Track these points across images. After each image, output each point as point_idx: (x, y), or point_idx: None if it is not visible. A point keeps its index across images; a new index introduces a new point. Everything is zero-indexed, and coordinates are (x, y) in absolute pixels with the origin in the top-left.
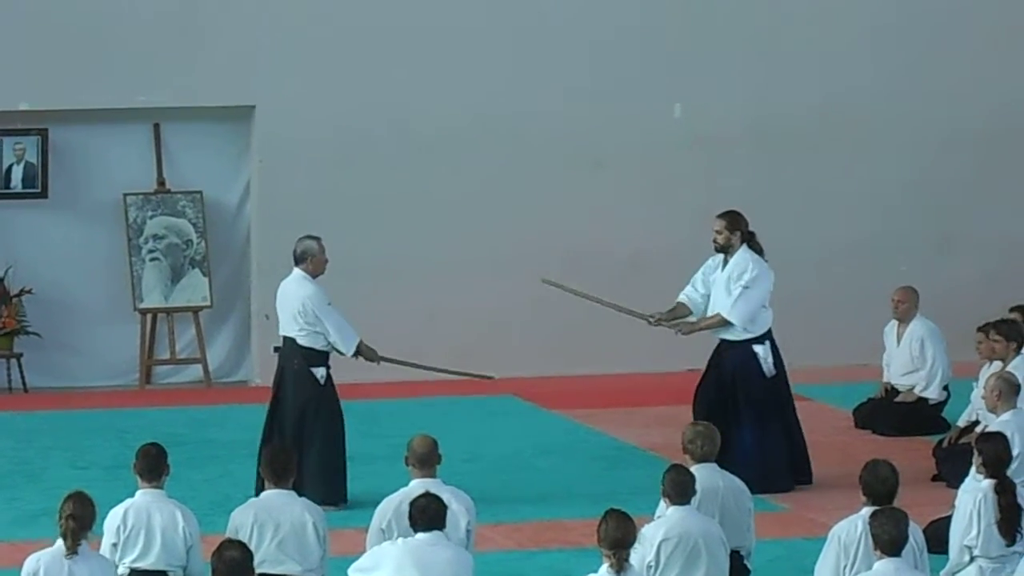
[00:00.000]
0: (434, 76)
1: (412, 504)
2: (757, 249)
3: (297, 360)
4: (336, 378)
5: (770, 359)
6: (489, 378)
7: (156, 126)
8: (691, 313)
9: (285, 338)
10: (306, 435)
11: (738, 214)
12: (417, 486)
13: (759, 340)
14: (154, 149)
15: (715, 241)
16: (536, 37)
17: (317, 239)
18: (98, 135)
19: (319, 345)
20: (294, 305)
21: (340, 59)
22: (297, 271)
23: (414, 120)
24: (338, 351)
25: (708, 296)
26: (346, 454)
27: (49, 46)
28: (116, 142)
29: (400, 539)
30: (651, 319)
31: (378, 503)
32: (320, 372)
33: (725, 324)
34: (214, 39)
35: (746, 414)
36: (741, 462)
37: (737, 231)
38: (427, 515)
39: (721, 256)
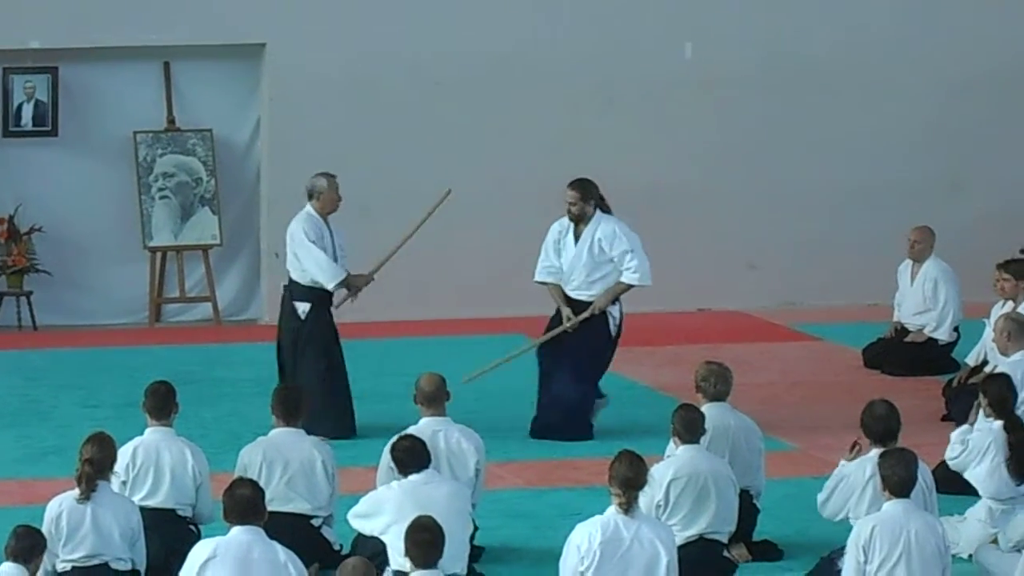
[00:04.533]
0: (445, 14)
1: (395, 448)
2: (607, 211)
3: (286, 293)
4: (347, 316)
5: (619, 319)
6: (447, 192)
7: (166, 64)
8: (563, 286)
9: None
10: (297, 370)
11: (589, 182)
12: (426, 424)
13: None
14: (164, 87)
15: (569, 211)
16: None
17: (331, 176)
18: (108, 73)
19: (304, 280)
20: (287, 239)
21: None
22: (307, 207)
23: (424, 58)
24: (322, 287)
25: (562, 268)
26: (348, 388)
27: None
28: (126, 80)
29: (395, 483)
30: (568, 329)
31: (388, 441)
32: (303, 307)
33: (628, 289)
34: None
35: (573, 363)
36: (570, 414)
37: (591, 199)
38: (414, 455)
39: (567, 223)
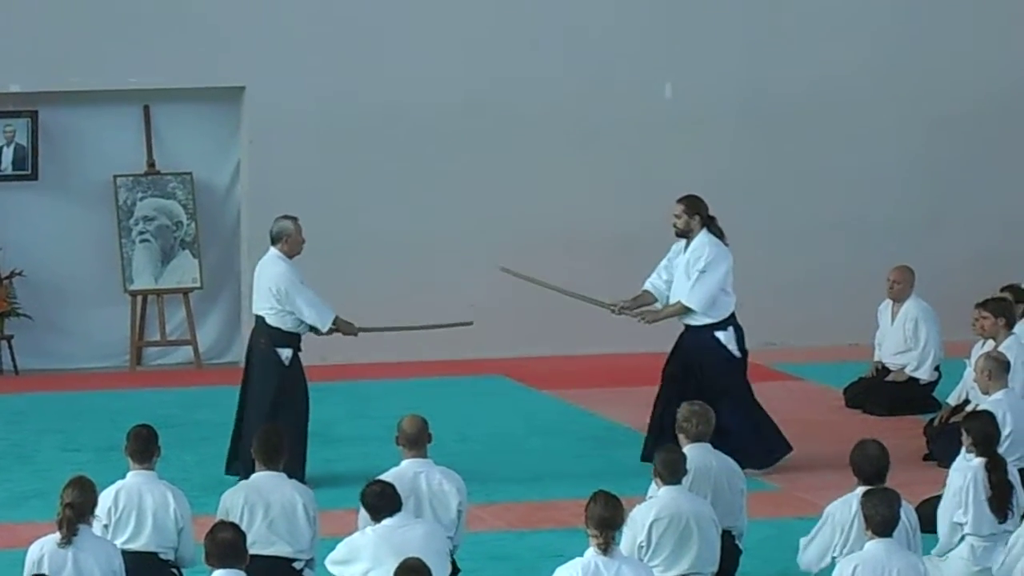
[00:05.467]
0: (423, 56)
1: (365, 495)
2: (717, 232)
3: (264, 339)
4: (328, 359)
5: (732, 344)
6: (468, 324)
7: (146, 108)
8: (656, 301)
9: (257, 316)
10: (280, 416)
11: (697, 198)
12: (408, 466)
13: (721, 326)
14: (144, 131)
15: (675, 226)
16: (526, 16)
17: (294, 219)
18: (88, 117)
19: (286, 326)
20: (266, 284)
21: (329, 39)
22: (273, 251)
23: (403, 100)
24: (314, 329)
25: (672, 283)
26: (307, 436)
27: (39, 28)
28: (106, 124)
29: (369, 528)
30: (613, 308)
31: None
32: (285, 353)
33: (686, 311)
34: (204, 20)
35: (709, 398)
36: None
37: (696, 215)
38: (385, 499)
39: (683, 242)
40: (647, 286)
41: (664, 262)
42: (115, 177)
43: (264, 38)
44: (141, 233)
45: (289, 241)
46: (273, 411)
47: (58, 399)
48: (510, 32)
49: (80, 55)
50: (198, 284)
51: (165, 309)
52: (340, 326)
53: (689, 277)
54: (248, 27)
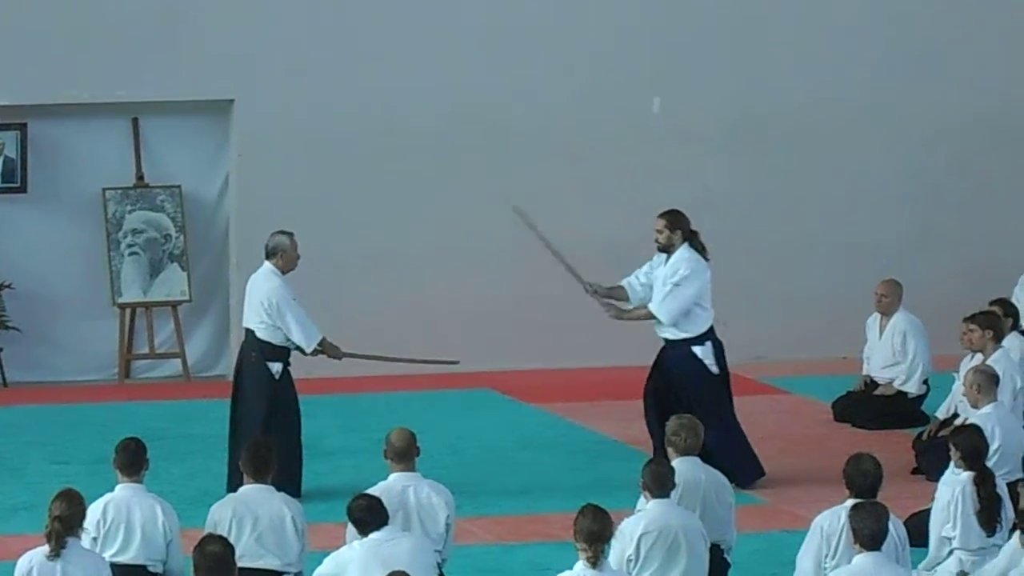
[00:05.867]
0: (413, 70)
1: (352, 509)
2: (699, 247)
3: (255, 353)
4: (316, 372)
5: (710, 358)
6: (454, 363)
7: (135, 120)
8: (628, 299)
9: (247, 330)
10: (272, 430)
11: (679, 213)
12: (396, 480)
13: (698, 341)
14: (133, 143)
15: (656, 240)
16: (515, 31)
17: (290, 235)
18: (77, 130)
19: (277, 340)
20: (258, 298)
21: (318, 52)
22: (267, 265)
23: (393, 114)
24: (299, 348)
25: (649, 288)
26: (301, 449)
27: (28, 41)
28: (95, 137)
29: (356, 542)
30: (588, 287)
31: None
32: (276, 367)
33: (652, 318)
34: (192, 33)
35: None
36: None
37: (678, 230)
38: (372, 513)
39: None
40: (624, 282)
41: (646, 267)
42: (104, 190)
43: (253, 51)
44: (130, 246)
45: (284, 256)
46: (265, 426)
47: (47, 412)
48: (500, 46)
49: (69, 68)
50: (187, 297)
51: (154, 322)
52: (326, 348)
53: (664, 288)
54: (237, 40)
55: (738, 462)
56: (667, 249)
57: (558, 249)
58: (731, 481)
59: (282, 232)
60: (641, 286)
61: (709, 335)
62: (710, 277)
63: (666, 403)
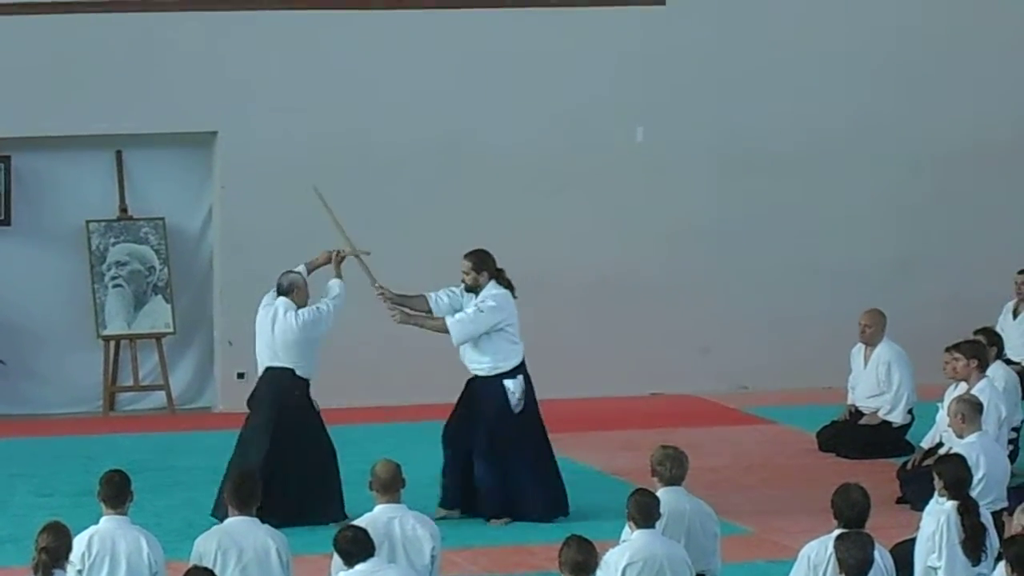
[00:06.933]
0: (395, 102)
1: (338, 540)
2: (506, 284)
3: (298, 391)
4: None
5: (519, 393)
6: (366, 253)
7: (118, 153)
8: (430, 310)
9: (279, 370)
10: (313, 459)
11: (484, 253)
12: (381, 511)
13: (509, 374)
14: (116, 176)
15: (463, 281)
16: (498, 61)
17: (299, 273)
18: (61, 162)
19: (313, 376)
20: (292, 337)
21: (301, 85)
22: (284, 300)
23: (375, 145)
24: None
25: (452, 309)
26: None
27: (11, 73)
28: (79, 169)
29: (342, 574)
30: (380, 290)
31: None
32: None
33: (444, 331)
34: (176, 66)
35: (493, 448)
36: (487, 495)
37: (484, 271)
38: (357, 545)
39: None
40: (428, 294)
41: (458, 289)
42: (88, 222)
43: (236, 83)
44: (114, 278)
45: (299, 293)
46: (314, 455)
47: (31, 444)
48: (482, 74)
49: (53, 101)
50: (171, 329)
51: (138, 354)
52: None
53: (467, 310)
54: (220, 72)
55: (547, 494)
56: (474, 289)
57: (354, 244)
58: (534, 514)
59: (292, 271)
60: (448, 301)
61: (521, 368)
62: (515, 312)
63: (470, 441)
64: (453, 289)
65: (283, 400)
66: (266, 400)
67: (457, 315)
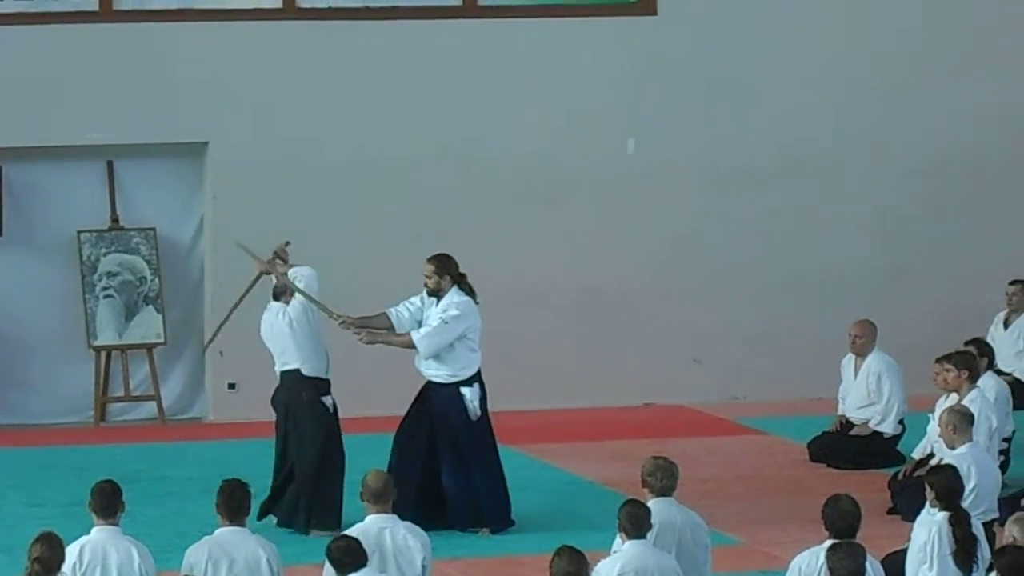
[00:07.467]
0: (387, 112)
1: (331, 550)
2: (467, 290)
3: (306, 392)
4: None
5: (476, 401)
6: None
7: (110, 163)
8: (393, 327)
9: (286, 372)
10: (327, 465)
11: (446, 257)
12: (372, 522)
13: (467, 382)
14: (108, 186)
15: (426, 285)
16: (490, 73)
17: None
18: (52, 172)
19: (322, 373)
20: (291, 337)
21: (292, 95)
22: (276, 304)
23: (367, 156)
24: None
25: (417, 322)
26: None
27: (2, 84)
28: (70, 179)
29: None
30: (338, 319)
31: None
32: (328, 400)
33: (411, 347)
34: (167, 76)
35: (449, 455)
36: (458, 505)
37: (447, 275)
38: (350, 554)
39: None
40: (389, 310)
41: (417, 300)
42: (79, 233)
43: (227, 93)
44: (105, 289)
45: (291, 294)
46: (327, 461)
47: (22, 454)
48: (475, 87)
49: (44, 111)
50: (162, 340)
51: (129, 364)
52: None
53: (432, 322)
54: (211, 82)
55: (497, 506)
56: (436, 294)
57: (294, 284)
58: (482, 524)
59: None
60: (409, 314)
61: (477, 377)
62: (479, 319)
63: (417, 445)
64: (412, 300)
65: (289, 401)
66: (278, 403)
67: (422, 329)
